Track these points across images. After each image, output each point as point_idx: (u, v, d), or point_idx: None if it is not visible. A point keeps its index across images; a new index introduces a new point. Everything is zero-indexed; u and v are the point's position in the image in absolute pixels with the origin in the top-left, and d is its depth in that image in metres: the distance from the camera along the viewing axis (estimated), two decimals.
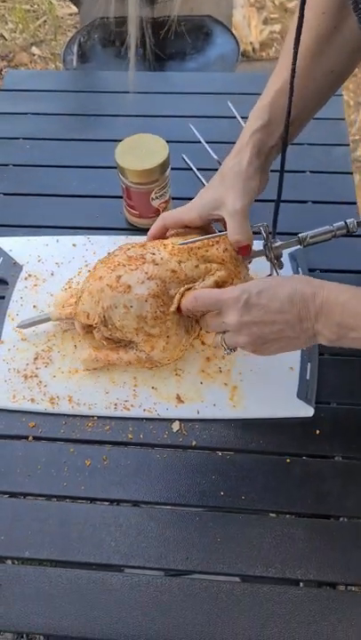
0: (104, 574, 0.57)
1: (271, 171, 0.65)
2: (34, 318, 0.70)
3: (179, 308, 0.62)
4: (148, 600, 0.56)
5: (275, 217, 0.65)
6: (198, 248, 0.63)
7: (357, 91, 2.25)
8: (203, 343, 0.70)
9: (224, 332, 0.60)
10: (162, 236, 0.67)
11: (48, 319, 0.69)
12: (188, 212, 0.64)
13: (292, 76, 0.56)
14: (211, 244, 0.64)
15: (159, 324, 0.62)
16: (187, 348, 0.67)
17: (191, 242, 0.63)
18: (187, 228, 0.66)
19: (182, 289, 0.62)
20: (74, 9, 2.39)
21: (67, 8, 2.51)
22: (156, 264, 0.61)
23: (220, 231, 0.65)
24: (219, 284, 0.62)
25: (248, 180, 0.61)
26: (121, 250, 0.65)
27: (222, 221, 0.63)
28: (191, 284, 0.62)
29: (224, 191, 0.62)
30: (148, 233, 0.67)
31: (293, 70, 0.56)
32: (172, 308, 0.62)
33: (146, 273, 0.61)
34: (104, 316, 0.63)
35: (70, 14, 2.49)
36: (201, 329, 0.66)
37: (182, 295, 0.62)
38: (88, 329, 0.67)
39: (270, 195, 0.65)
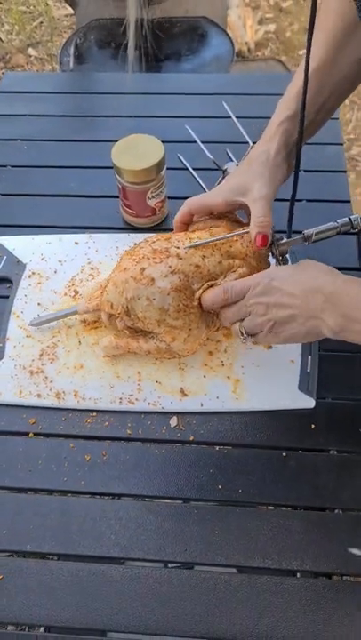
0: (104, 566, 0.58)
1: None
2: (62, 312, 0.71)
3: (200, 304, 0.64)
4: (147, 591, 0.57)
5: (290, 215, 0.66)
6: (223, 243, 0.64)
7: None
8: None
9: (242, 321, 0.61)
10: (188, 221, 0.68)
11: (75, 312, 0.71)
12: (213, 198, 0.65)
13: (306, 70, 0.56)
14: (235, 239, 0.65)
15: (182, 316, 0.63)
16: (205, 341, 0.68)
17: (199, 243, 0.63)
18: (212, 216, 0.67)
19: (205, 285, 0.63)
20: (70, 10, 2.40)
21: (63, 9, 2.52)
22: (180, 258, 0.63)
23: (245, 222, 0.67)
24: None
25: (275, 169, 0.63)
26: (147, 242, 0.66)
27: (245, 208, 0.64)
28: (213, 280, 0.63)
29: (250, 178, 0.63)
30: (175, 219, 0.68)
31: (307, 62, 0.56)
32: (195, 303, 0.63)
33: (170, 267, 0.62)
34: (127, 307, 0.64)
35: (66, 15, 2.50)
36: (220, 324, 0.68)
37: (204, 291, 0.63)
38: (112, 318, 0.68)
39: (280, 194, 0.66)
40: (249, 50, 2.35)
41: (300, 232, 0.65)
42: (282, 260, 0.66)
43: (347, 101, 2.27)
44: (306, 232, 0.64)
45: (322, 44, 0.60)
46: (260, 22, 2.48)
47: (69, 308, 0.72)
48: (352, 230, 0.64)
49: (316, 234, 0.64)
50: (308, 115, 0.62)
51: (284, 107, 0.64)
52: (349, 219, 0.63)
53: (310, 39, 0.55)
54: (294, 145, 0.64)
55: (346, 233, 0.65)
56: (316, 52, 0.57)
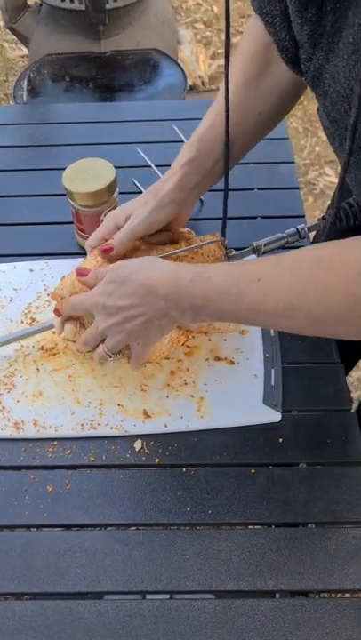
0: (71, 603, 0.55)
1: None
2: (35, 327, 0.69)
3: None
4: (117, 626, 0.54)
5: (223, 226, 0.67)
6: (185, 255, 0.64)
7: (305, 118, 2.34)
8: (167, 358, 0.69)
9: (102, 342, 0.62)
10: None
11: (51, 326, 0.69)
12: (103, 226, 0.66)
13: (227, 115, 0.59)
14: (192, 256, 0.64)
15: None
16: (174, 346, 0.68)
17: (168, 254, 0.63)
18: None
19: None
20: (25, 51, 2.44)
21: (18, 50, 2.55)
22: None
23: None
24: None
25: (157, 208, 0.64)
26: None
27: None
28: None
29: (136, 206, 0.64)
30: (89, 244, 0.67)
31: (227, 104, 0.59)
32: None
33: None
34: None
35: (22, 56, 2.54)
36: (187, 336, 0.68)
37: None
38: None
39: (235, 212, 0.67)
40: (203, 83, 2.41)
41: (252, 245, 0.65)
42: None
43: (300, 128, 2.34)
44: (255, 244, 0.65)
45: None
46: (213, 57, 2.55)
47: (44, 322, 0.70)
48: (300, 239, 0.65)
49: (266, 245, 0.64)
50: (205, 163, 0.64)
51: (185, 151, 0.65)
52: (296, 228, 0.64)
53: (227, 67, 0.58)
54: (191, 190, 0.65)
55: (294, 243, 0.65)
56: (223, 101, 0.60)
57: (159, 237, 0.67)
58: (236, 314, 0.54)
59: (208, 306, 0.54)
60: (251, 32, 0.62)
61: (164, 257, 0.63)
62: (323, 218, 0.65)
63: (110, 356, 0.62)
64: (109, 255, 0.64)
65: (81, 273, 0.62)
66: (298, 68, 0.52)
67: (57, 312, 0.65)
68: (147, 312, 0.56)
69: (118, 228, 0.65)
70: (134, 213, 0.64)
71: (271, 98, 0.63)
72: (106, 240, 0.66)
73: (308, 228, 0.64)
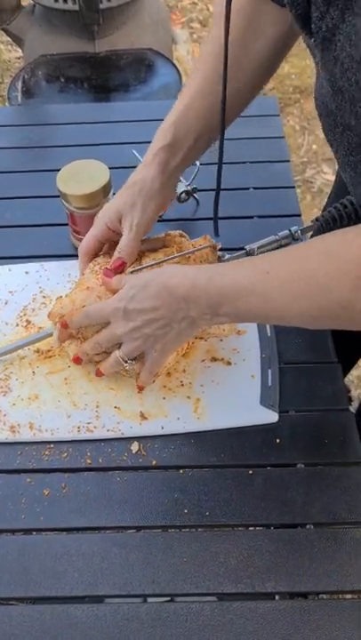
0: (68, 607, 0.55)
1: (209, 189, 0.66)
2: (35, 336, 0.69)
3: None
4: (115, 630, 0.53)
5: (215, 228, 0.67)
6: (177, 262, 0.63)
7: (302, 116, 2.33)
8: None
9: (119, 348, 0.61)
10: (93, 250, 0.67)
11: (50, 334, 0.68)
12: (99, 225, 0.65)
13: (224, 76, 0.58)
14: (184, 262, 0.64)
15: None
16: (178, 355, 0.67)
17: (146, 266, 0.62)
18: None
19: None
20: (20, 53, 2.43)
21: (14, 52, 2.55)
22: None
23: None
24: None
25: (147, 200, 0.63)
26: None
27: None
28: None
29: (124, 207, 0.64)
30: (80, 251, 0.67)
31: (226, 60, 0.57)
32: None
33: None
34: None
35: (18, 58, 2.53)
36: (187, 347, 0.68)
37: None
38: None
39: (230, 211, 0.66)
40: None
41: (244, 249, 0.65)
42: None
43: (298, 127, 2.33)
44: (248, 247, 0.64)
45: (202, 74, 0.63)
46: None
47: (47, 328, 0.69)
48: (293, 242, 0.64)
49: (259, 248, 0.64)
50: (183, 145, 0.63)
51: (160, 136, 0.65)
52: (290, 230, 0.64)
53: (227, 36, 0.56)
54: (171, 174, 0.65)
55: (289, 244, 0.65)
56: (194, 83, 0.60)
57: (151, 244, 0.66)
58: (249, 310, 0.54)
59: (224, 303, 0.54)
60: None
61: (156, 264, 0.62)
62: (316, 219, 0.64)
63: (126, 362, 0.62)
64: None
65: (108, 274, 0.62)
66: (308, 28, 0.48)
67: (64, 325, 0.64)
68: (166, 315, 0.57)
69: (109, 228, 0.64)
70: (128, 218, 0.63)
71: (248, 76, 0.63)
72: (101, 242, 0.65)
73: (301, 230, 0.64)
